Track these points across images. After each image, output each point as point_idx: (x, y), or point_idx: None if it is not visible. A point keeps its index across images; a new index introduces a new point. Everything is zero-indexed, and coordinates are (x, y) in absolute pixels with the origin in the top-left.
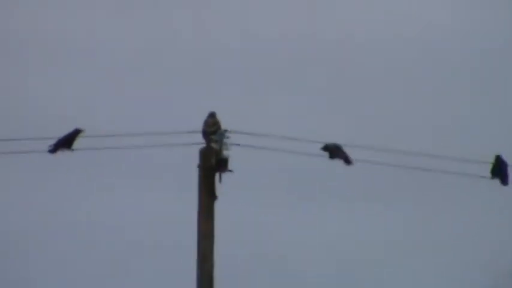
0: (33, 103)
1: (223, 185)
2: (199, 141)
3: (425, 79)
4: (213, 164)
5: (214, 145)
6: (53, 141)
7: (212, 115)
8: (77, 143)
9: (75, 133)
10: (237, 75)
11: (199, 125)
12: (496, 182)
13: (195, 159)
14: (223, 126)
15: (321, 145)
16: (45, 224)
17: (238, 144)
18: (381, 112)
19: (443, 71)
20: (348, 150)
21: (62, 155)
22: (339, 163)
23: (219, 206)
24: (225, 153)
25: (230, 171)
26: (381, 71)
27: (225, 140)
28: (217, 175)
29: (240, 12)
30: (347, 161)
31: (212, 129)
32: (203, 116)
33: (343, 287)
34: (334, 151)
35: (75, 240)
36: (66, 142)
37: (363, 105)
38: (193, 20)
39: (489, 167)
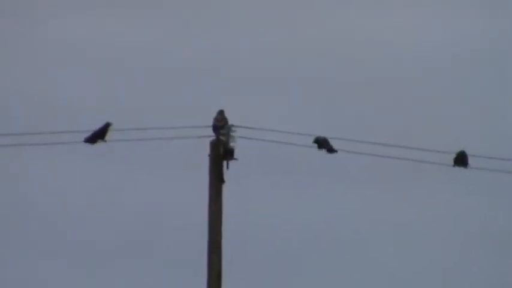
0: (69, 100)
1: (230, 171)
2: (210, 134)
3: (399, 80)
4: (221, 153)
5: (222, 138)
6: (86, 134)
7: (221, 112)
8: (108, 135)
9: (106, 126)
10: (242, 78)
11: (209, 120)
12: (457, 169)
13: (206, 150)
14: (230, 121)
15: (312, 138)
16: (85, 204)
17: (243, 137)
18: (360, 108)
19: (416, 71)
20: (332, 142)
21: (93, 145)
22: (324, 153)
23: (226, 189)
24: (231, 144)
25: (235, 159)
26: (360, 71)
27: (231, 134)
28: (224, 163)
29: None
30: (331, 150)
31: (221, 124)
32: (213, 113)
33: (332, 257)
34: (321, 143)
35: (110, 218)
36: (100, 134)
37: (345, 102)
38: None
39: (452, 157)
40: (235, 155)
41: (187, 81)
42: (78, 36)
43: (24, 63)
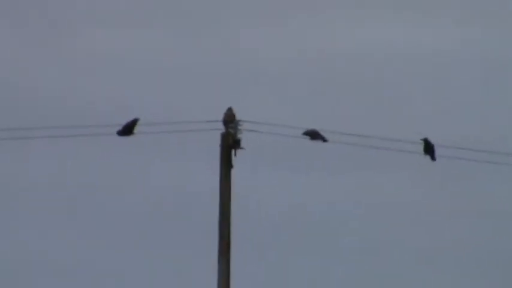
0: (104, 99)
1: (237, 158)
2: (220, 127)
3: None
4: (230, 143)
5: (231, 130)
6: (117, 128)
7: (230, 109)
8: (136, 128)
9: (134, 121)
10: (248, 80)
11: (220, 116)
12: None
13: (218, 141)
14: (237, 117)
15: (305, 130)
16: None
17: (248, 130)
18: (347, 104)
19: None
20: (324, 133)
21: (125, 138)
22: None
23: (234, 172)
24: (238, 136)
25: (242, 148)
26: (347, 75)
27: (238, 127)
28: (233, 151)
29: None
30: (324, 140)
31: (229, 119)
32: (223, 110)
33: (321, 230)
34: (312, 135)
35: (139, 195)
36: (129, 128)
37: (334, 100)
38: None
39: (422, 147)
40: (242, 145)
41: (202, 83)
42: (108, 46)
43: (69, 68)
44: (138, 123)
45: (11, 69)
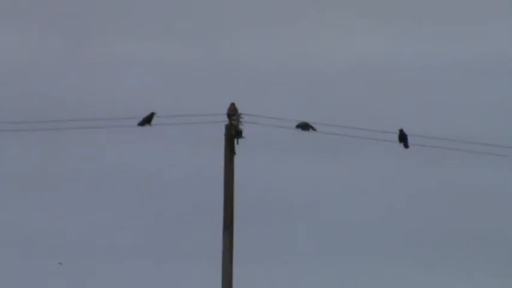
0: (126, 95)
1: (239, 146)
2: (225, 120)
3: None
4: (233, 133)
5: (233, 122)
6: (138, 120)
7: (233, 104)
8: (153, 120)
9: (152, 115)
10: (249, 80)
11: (225, 110)
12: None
13: (222, 131)
14: (240, 111)
15: (297, 122)
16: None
17: (248, 122)
18: (334, 99)
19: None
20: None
21: (144, 128)
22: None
23: (236, 158)
24: (240, 127)
25: (243, 137)
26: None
27: (240, 119)
28: (235, 140)
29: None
30: (313, 129)
31: (232, 113)
32: (227, 105)
33: (311, 209)
34: (303, 126)
35: (156, 177)
36: (147, 120)
37: (323, 95)
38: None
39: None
40: (243, 135)
41: (210, 83)
42: (127, 51)
43: (95, 69)
44: (155, 116)
45: (44, 71)
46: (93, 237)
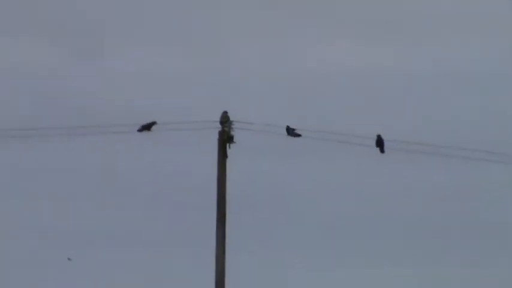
0: (129, 104)
1: (231, 150)
2: (218, 126)
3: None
4: (225, 138)
5: (226, 129)
6: (137, 127)
7: (225, 112)
8: (153, 128)
9: (152, 123)
10: (240, 90)
11: (218, 117)
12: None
13: (216, 136)
14: (231, 118)
15: (284, 128)
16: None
17: (239, 128)
18: (316, 107)
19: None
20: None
21: (144, 134)
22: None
23: (229, 161)
24: (232, 133)
25: (234, 142)
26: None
27: (232, 126)
28: (227, 145)
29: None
30: (297, 135)
31: (225, 120)
32: (220, 113)
33: (299, 207)
34: (288, 131)
35: (154, 177)
36: (147, 127)
37: (305, 104)
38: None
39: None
40: (235, 140)
41: (204, 92)
42: (134, 62)
43: (104, 79)
44: (155, 125)
45: (61, 80)
46: (98, 229)
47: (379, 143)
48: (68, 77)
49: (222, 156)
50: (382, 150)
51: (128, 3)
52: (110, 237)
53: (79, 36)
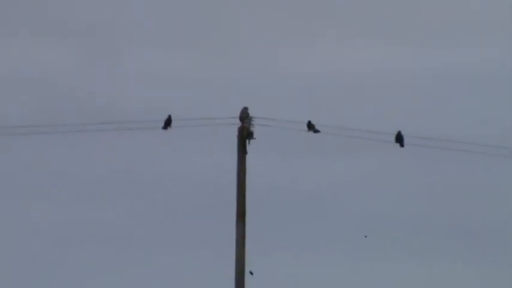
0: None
1: (251, 146)
2: (238, 122)
3: None
4: (245, 135)
5: (246, 125)
6: (156, 124)
7: (245, 108)
8: (173, 123)
9: (169, 117)
10: (260, 87)
11: (237, 113)
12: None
13: (235, 132)
14: (251, 114)
15: (304, 124)
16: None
17: (259, 124)
18: (336, 104)
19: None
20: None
21: (163, 131)
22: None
23: (248, 156)
24: (251, 129)
25: (254, 138)
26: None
27: (251, 122)
28: (247, 141)
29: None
30: (316, 131)
31: (244, 116)
32: (240, 109)
33: (315, 204)
34: (309, 126)
35: (177, 173)
36: (168, 123)
37: (326, 100)
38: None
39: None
40: (254, 136)
41: (225, 89)
42: (151, 63)
43: (122, 78)
44: (172, 118)
45: (75, 80)
46: (119, 228)
47: (399, 138)
48: (83, 77)
49: (242, 152)
50: (402, 145)
51: (142, 3)
52: (128, 236)
53: (92, 37)
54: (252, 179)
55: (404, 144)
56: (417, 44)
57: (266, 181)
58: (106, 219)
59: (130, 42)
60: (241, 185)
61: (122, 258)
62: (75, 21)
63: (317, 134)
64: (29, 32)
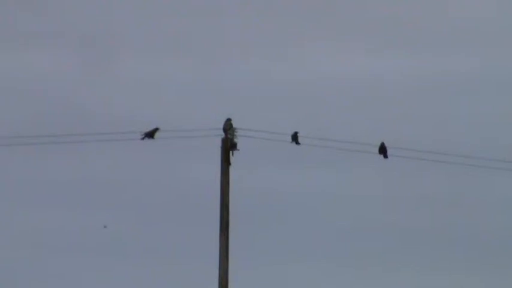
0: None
1: (234, 157)
2: (221, 133)
3: None
4: (228, 146)
5: (229, 136)
6: (140, 135)
7: (229, 119)
8: (157, 134)
9: (155, 129)
10: (243, 98)
11: (221, 125)
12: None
13: (219, 143)
14: (235, 125)
15: (287, 136)
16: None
17: (242, 135)
18: (317, 115)
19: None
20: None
21: (147, 141)
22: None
23: (231, 168)
24: (235, 140)
25: (237, 150)
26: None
27: (235, 133)
28: (231, 152)
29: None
30: (297, 143)
31: (228, 127)
32: (223, 120)
33: (303, 212)
34: (294, 138)
35: (158, 182)
36: (150, 134)
37: (307, 112)
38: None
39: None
40: (238, 147)
41: (208, 101)
42: (141, 71)
43: (111, 87)
44: (158, 131)
45: (68, 88)
46: (101, 238)
47: (382, 149)
48: (72, 84)
49: (225, 163)
50: (385, 156)
51: (132, 13)
52: (112, 245)
53: (85, 45)
54: (235, 191)
55: (388, 156)
56: (401, 55)
57: (250, 193)
58: (88, 229)
59: (116, 50)
60: (224, 196)
61: (104, 268)
62: (61, 28)
63: (301, 145)
64: (24, 40)
